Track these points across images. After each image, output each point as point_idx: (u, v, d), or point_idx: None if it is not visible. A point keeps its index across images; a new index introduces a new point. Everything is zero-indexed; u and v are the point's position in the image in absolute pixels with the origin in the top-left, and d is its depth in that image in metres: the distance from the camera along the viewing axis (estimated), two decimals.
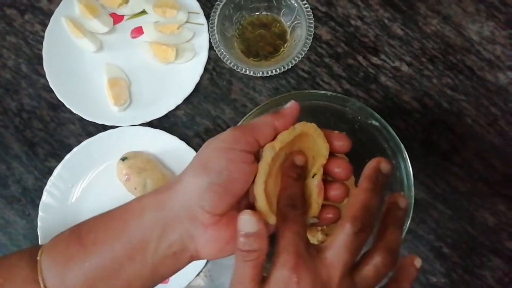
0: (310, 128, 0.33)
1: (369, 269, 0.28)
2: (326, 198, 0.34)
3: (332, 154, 0.34)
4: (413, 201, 0.47)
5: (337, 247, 0.27)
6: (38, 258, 0.30)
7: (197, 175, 0.29)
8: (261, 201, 0.30)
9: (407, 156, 0.47)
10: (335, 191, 0.33)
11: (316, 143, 0.34)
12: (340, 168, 0.34)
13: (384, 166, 0.31)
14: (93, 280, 0.29)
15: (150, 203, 0.31)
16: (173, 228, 0.29)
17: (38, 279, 0.29)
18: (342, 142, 0.34)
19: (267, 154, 0.31)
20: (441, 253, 0.55)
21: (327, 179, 0.35)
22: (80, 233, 0.31)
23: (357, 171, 0.55)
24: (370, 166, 0.31)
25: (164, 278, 0.31)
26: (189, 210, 0.29)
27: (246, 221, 0.28)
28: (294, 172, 0.31)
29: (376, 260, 0.28)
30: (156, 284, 0.31)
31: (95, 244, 0.30)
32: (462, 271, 0.54)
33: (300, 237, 0.28)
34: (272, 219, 0.31)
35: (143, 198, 0.31)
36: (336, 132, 0.35)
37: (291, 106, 0.32)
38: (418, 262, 0.30)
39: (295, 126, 0.32)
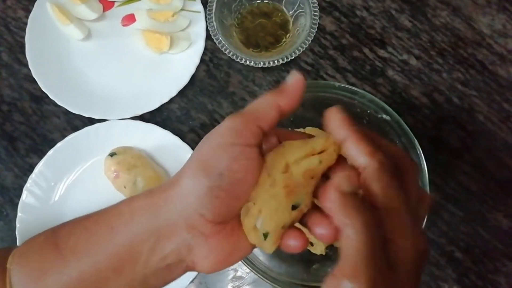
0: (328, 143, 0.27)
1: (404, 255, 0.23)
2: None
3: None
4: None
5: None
6: (8, 266, 0.26)
7: (196, 177, 0.25)
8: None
9: (421, 152, 0.44)
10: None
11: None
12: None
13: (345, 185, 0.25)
14: None
15: (142, 208, 0.26)
16: (168, 238, 0.25)
17: None
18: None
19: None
20: (453, 258, 0.51)
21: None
22: (57, 240, 0.26)
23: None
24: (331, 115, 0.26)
25: None
26: (187, 218, 0.25)
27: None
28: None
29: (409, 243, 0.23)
30: None
31: (74, 253, 0.26)
32: (475, 276, 0.51)
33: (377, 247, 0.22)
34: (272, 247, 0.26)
35: (133, 200, 0.27)
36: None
37: (295, 79, 0.27)
38: None
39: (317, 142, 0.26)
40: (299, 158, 0.26)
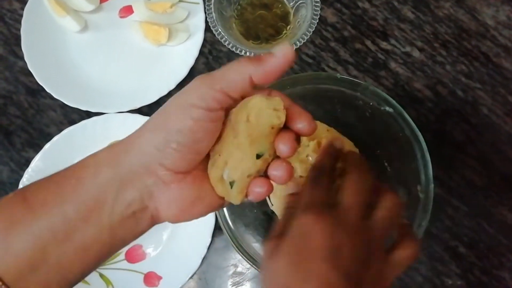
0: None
1: (381, 211, 0.28)
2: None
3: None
4: (432, 196, 0.42)
5: (347, 192, 0.27)
6: None
7: (155, 131, 0.26)
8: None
9: (425, 145, 0.43)
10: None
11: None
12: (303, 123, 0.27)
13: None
14: (42, 245, 0.25)
15: (105, 158, 0.27)
16: (131, 185, 0.26)
17: None
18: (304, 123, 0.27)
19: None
20: (456, 253, 0.50)
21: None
22: (26, 194, 0.26)
23: (369, 164, 0.50)
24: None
25: (125, 243, 0.27)
26: (147, 166, 0.26)
27: None
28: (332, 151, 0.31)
29: (385, 201, 0.28)
30: (116, 249, 0.28)
31: (43, 205, 0.26)
32: (480, 272, 0.50)
33: (326, 194, 0.28)
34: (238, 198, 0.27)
35: (98, 153, 0.27)
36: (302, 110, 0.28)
37: (281, 53, 0.25)
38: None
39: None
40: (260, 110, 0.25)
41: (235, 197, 0.27)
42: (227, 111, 0.26)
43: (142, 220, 0.27)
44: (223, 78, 0.25)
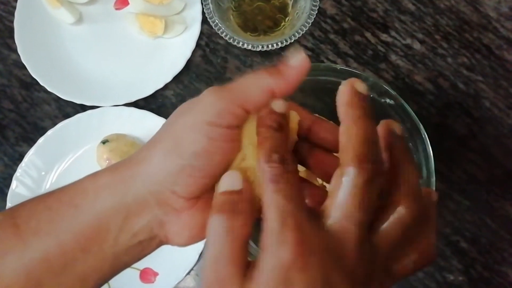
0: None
1: (391, 225, 0.21)
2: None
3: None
4: (434, 189, 0.41)
5: (343, 205, 0.20)
6: None
7: (168, 155, 0.23)
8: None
9: (427, 137, 0.42)
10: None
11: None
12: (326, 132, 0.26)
13: (360, 85, 0.23)
14: (37, 276, 0.23)
15: (107, 185, 0.24)
16: (138, 216, 0.24)
17: None
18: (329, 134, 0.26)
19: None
20: (458, 249, 0.49)
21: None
22: (17, 220, 0.24)
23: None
24: (344, 91, 0.23)
25: (127, 266, 0.26)
26: (158, 195, 0.23)
27: (227, 179, 0.23)
28: (273, 120, 0.23)
29: (399, 211, 0.21)
30: (118, 272, 0.26)
31: (36, 234, 0.23)
32: (482, 267, 0.49)
33: (297, 203, 0.21)
34: None
35: (98, 176, 0.25)
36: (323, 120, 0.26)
37: (298, 60, 0.24)
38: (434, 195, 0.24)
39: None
40: None
41: None
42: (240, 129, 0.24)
43: (148, 247, 0.25)
44: (240, 90, 0.23)
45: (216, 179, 0.24)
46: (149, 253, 0.25)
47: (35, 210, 0.24)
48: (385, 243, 0.21)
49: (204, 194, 0.24)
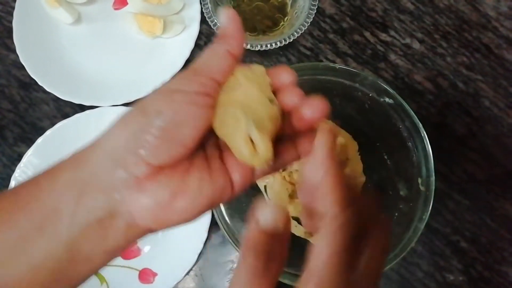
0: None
1: (369, 260, 0.22)
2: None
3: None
4: (433, 189, 0.41)
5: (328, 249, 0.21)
6: None
7: (132, 117, 0.22)
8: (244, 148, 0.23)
9: (426, 136, 0.42)
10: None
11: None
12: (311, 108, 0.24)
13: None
14: None
15: (68, 161, 0.23)
16: (95, 187, 0.22)
17: None
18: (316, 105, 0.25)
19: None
20: (458, 248, 0.49)
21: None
22: None
23: (369, 157, 0.49)
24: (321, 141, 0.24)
25: (92, 262, 0.22)
26: (118, 159, 0.22)
27: (269, 214, 0.22)
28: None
29: (371, 249, 0.23)
30: (80, 269, 0.23)
31: None
32: (482, 267, 0.49)
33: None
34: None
35: (61, 163, 0.24)
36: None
37: (229, 17, 0.25)
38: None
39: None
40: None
41: (267, 156, 0.23)
42: (213, 99, 0.24)
43: (112, 229, 0.22)
44: (204, 66, 0.24)
45: (185, 147, 0.22)
46: (116, 243, 0.22)
47: (2, 194, 0.23)
48: (365, 279, 0.22)
49: (169, 165, 0.22)
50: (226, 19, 0.25)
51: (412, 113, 0.42)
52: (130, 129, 0.22)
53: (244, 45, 0.26)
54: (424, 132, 0.42)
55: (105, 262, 0.23)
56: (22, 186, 0.23)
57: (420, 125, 0.42)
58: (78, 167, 0.22)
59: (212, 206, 0.24)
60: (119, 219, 0.22)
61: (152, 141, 0.22)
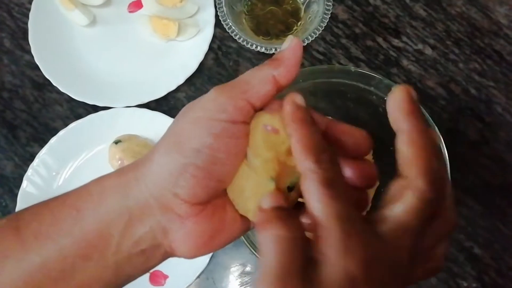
0: None
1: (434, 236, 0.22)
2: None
3: None
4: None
5: (402, 217, 0.20)
6: None
7: (169, 153, 0.22)
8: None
9: (442, 140, 0.42)
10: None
11: None
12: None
13: (414, 93, 0.23)
14: (35, 281, 0.22)
15: (112, 187, 0.23)
16: (140, 221, 0.22)
17: None
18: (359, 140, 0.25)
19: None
20: (472, 254, 0.49)
21: None
22: (19, 223, 0.23)
23: (382, 164, 0.49)
24: (403, 99, 0.23)
25: (132, 278, 0.24)
26: (160, 198, 0.22)
27: (268, 197, 0.22)
28: (304, 113, 0.22)
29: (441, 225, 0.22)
30: (121, 285, 0.24)
31: (37, 238, 0.22)
32: (495, 274, 0.48)
33: (354, 210, 0.20)
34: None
35: (104, 179, 0.24)
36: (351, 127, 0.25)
37: (292, 44, 0.23)
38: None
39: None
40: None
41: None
42: (247, 125, 0.23)
43: (153, 257, 0.23)
44: (244, 84, 0.22)
45: (223, 183, 0.23)
46: (153, 265, 0.24)
47: (38, 212, 0.24)
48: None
49: (211, 201, 0.23)
50: (288, 45, 0.23)
51: (428, 116, 0.42)
52: (169, 167, 0.22)
53: (293, 76, 0.23)
54: (440, 136, 0.42)
55: (140, 276, 0.25)
56: (59, 203, 0.23)
57: (437, 129, 0.42)
58: (125, 197, 0.23)
59: (244, 233, 0.25)
60: (160, 249, 0.23)
61: (190, 180, 0.22)
